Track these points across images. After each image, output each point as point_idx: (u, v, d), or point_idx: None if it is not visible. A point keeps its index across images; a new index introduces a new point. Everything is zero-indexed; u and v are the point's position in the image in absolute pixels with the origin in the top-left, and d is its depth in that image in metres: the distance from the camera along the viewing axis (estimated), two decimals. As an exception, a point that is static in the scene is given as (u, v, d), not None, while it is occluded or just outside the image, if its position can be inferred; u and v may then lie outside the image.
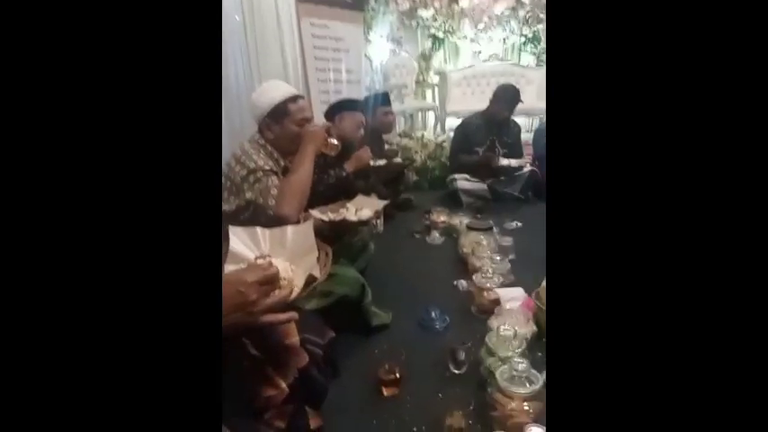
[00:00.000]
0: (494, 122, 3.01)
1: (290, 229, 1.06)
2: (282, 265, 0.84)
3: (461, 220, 2.38)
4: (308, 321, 1.03)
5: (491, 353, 1.18)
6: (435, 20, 4.66)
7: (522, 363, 1.02)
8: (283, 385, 0.95)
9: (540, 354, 1.24)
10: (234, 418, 0.99)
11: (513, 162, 2.96)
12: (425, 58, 4.91)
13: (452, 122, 4.37)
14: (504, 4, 4.54)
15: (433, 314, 1.54)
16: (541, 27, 4.70)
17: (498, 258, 1.81)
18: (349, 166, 2.18)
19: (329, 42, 3.15)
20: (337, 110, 2.33)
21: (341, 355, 1.28)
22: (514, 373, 1.02)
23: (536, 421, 0.95)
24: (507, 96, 2.95)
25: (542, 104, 3.47)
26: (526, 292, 1.56)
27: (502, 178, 2.98)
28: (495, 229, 2.17)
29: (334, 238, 1.50)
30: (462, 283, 1.80)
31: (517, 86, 3.04)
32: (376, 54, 4.49)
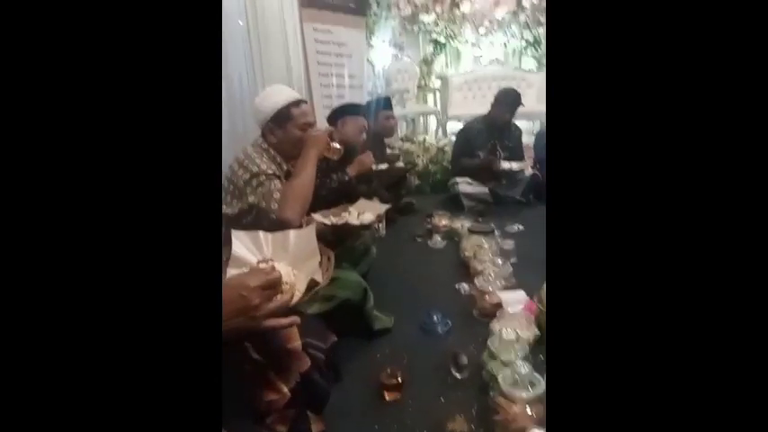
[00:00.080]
0: (495, 126, 3.01)
1: (292, 233, 1.06)
2: (285, 270, 0.85)
3: (463, 224, 2.38)
4: (310, 325, 1.03)
5: (493, 356, 1.17)
6: (437, 25, 4.68)
7: (525, 366, 1.02)
8: (285, 389, 0.95)
9: (542, 357, 1.24)
10: (235, 423, 0.99)
11: (515, 165, 2.96)
12: (427, 62, 4.93)
13: (454, 126, 4.39)
14: (505, 9, 4.55)
15: (435, 318, 1.54)
16: (542, 31, 4.71)
17: (500, 262, 1.81)
18: (352, 171, 2.19)
19: (332, 47, 3.16)
20: (340, 114, 2.34)
21: (343, 359, 1.28)
22: (517, 376, 1.02)
23: (539, 425, 0.95)
24: (508, 100, 2.95)
25: (543, 108, 3.48)
26: (528, 295, 1.56)
27: (503, 182, 2.99)
28: (496, 232, 2.17)
29: (337, 241, 1.50)
30: (464, 287, 1.80)
31: (518, 90, 3.05)
32: (378, 59, 4.51)
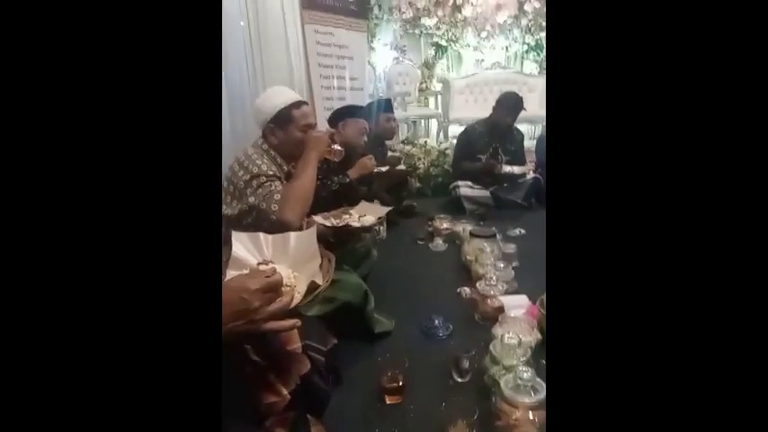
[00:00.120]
0: (497, 130, 3.01)
1: (292, 235, 1.05)
2: (285, 272, 0.84)
3: (464, 227, 2.37)
4: (311, 328, 1.03)
5: (495, 361, 1.16)
6: (438, 28, 4.70)
7: (527, 371, 1.01)
8: (285, 392, 0.94)
9: (544, 362, 1.22)
10: (235, 425, 0.98)
11: (516, 169, 2.95)
12: (428, 65, 4.95)
13: (455, 130, 4.39)
14: (507, 13, 4.56)
15: (437, 322, 1.53)
16: (544, 35, 4.73)
17: (502, 266, 1.80)
18: (353, 173, 2.18)
19: (333, 50, 3.16)
20: (340, 116, 2.34)
21: (343, 362, 1.27)
22: (519, 381, 1.00)
23: (541, 431, 0.94)
24: (510, 104, 2.95)
25: (545, 112, 3.47)
26: (530, 299, 1.55)
27: (505, 185, 2.98)
28: (498, 236, 2.16)
29: (337, 244, 1.49)
30: (466, 291, 1.79)
31: (520, 94, 3.05)
32: (379, 62, 4.52)
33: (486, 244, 2.00)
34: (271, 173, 1.37)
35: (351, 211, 1.64)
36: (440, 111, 4.85)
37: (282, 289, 0.73)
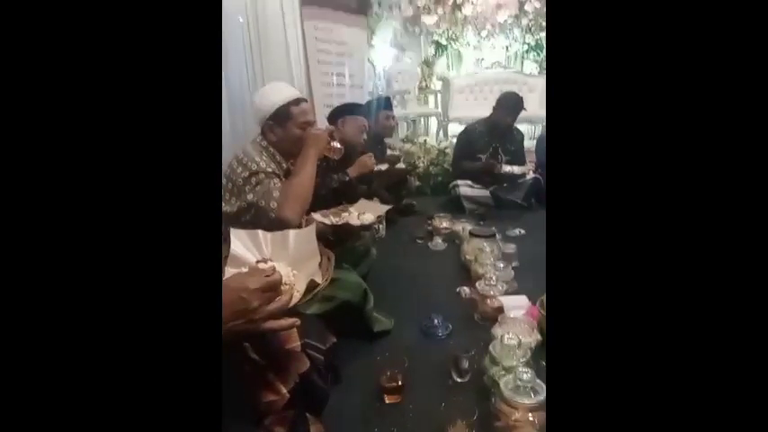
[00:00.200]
0: (497, 130, 3.00)
1: (292, 233, 1.04)
2: (284, 270, 0.83)
3: (464, 227, 2.37)
4: (310, 326, 1.02)
5: (495, 362, 1.16)
6: (438, 26, 4.68)
7: (527, 372, 1.00)
8: (284, 391, 0.93)
9: (544, 363, 1.22)
10: (234, 424, 0.98)
11: (516, 169, 2.95)
12: (428, 64, 4.93)
13: (455, 129, 4.38)
14: (507, 12, 4.55)
15: (436, 321, 1.53)
16: (544, 35, 4.72)
17: (501, 266, 1.79)
18: (353, 172, 2.17)
19: (333, 46, 3.15)
20: (340, 114, 2.33)
21: (342, 360, 1.26)
22: (519, 383, 1.00)
23: (541, 432, 0.93)
24: (510, 104, 2.94)
25: (545, 112, 3.46)
26: (530, 300, 1.54)
27: (505, 185, 2.98)
28: (498, 236, 2.15)
29: (336, 242, 1.48)
30: (465, 290, 1.78)
31: (520, 94, 3.04)
32: (379, 59, 4.50)
33: (485, 244, 2.00)
34: (270, 170, 1.36)
35: (350, 210, 1.63)
36: (439, 109, 4.84)
37: (282, 287, 0.72)
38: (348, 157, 2.03)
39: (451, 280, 1.93)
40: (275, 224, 1.22)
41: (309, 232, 1.05)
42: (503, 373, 1.10)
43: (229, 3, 2.37)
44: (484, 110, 3.21)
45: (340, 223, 1.53)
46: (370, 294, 1.45)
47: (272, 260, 0.93)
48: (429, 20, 4.57)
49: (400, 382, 1.18)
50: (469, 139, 3.08)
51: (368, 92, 3.74)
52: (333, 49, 3.15)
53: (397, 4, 4.47)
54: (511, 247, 2.02)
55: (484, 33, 4.78)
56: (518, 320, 1.35)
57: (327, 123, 2.30)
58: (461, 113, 4.49)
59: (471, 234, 2.14)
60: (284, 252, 1.00)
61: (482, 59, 4.97)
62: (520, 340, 1.17)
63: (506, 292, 1.62)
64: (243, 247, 0.99)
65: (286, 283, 0.78)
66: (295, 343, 0.94)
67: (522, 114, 3.03)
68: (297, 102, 1.45)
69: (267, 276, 0.64)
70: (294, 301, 0.79)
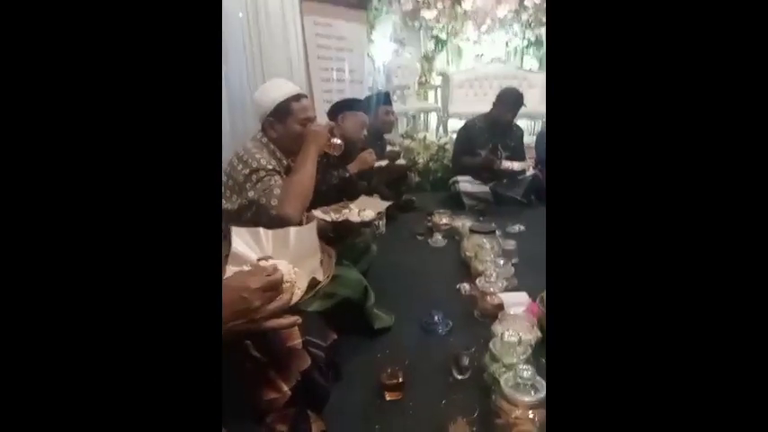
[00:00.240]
0: (497, 126, 3.00)
1: (292, 230, 1.04)
2: (285, 268, 0.83)
3: (464, 223, 2.37)
4: (311, 323, 1.02)
5: (495, 359, 1.16)
6: (438, 21, 4.65)
7: (528, 370, 1.01)
8: (285, 388, 0.94)
9: (544, 360, 1.22)
10: (235, 422, 0.98)
11: (516, 165, 2.94)
12: (428, 59, 4.91)
13: (454, 124, 4.37)
14: (507, 8, 4.53)
15: (436, 318, 1.53)
16: (544, 31, 4.69)
17: (502, 262, 1.79)
18: (353, 168, 2.16)
19: (332, 41, 3.13)
20: (340, 110, 2.32)
21: (343, 357, 1.26)
22: (519, 380, 1.00)
23: (541, 430, 0.93)
24: (511, 100, 2.93)
25: (545, 108, 3.44)
26: (530, 296, 1.55)
27: (504, 181, 2.97)
28: (498, 232, 2.15)
29: (337, 239, 1.48)
30: (465, 287, 1.78)
31: (520, 90, 3.03)
32: (379, 54, 4.48)
33: (485, 240, 2.00)
34: (270, 167, 1.36)
35: (350, 206, 1.63)
36: (439, 105, 4.83)
37: (283, 285, 0.72)
38: (348, 154, 2.02)
39: (451, 276, 1.93)
40: (276, 221, 1.22)
41: (310, 229, 1.05)
42: (503, 370, 1.10)
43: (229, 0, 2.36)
44: (484, 105, 3.21)
45: (340, 220, 1.52)
46: (371, 291, 1.45)
47: (273, 257, 0.93)
48: (429, 14, 4.54)
49: (401, 380, 1.18)
50: (469, 135, 3.07)
51: (367, 87, 3.73)
52: (332, 45, 3.13)
53: (396, -2, 4.45)
54: (511, 244, 2.02)
55: (484, 28, 4.76)
56: (518, 317, 1.35)
57: (327, 119, 2.29)
58: (461, 109, 4.48)
59: (471, 231, 2.14)
60: (285, 249, 1.00)
61: (482, 55, 4.94)
62: (520, 337, 1.17)
63: (506, 289, 1.62)
64: (244, 244, 0.99)
65: (287, 281, 0.78)
66: (296, 340, 0.95)
67: (522, 110, 3.02)
68: (297, 98, 1.44)
69: (268, 275, 0.64)
70: (295, 299, 0.79)
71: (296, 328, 0.92)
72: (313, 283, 0.84)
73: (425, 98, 4.97)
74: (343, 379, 1.23)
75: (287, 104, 1.42)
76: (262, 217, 1.29)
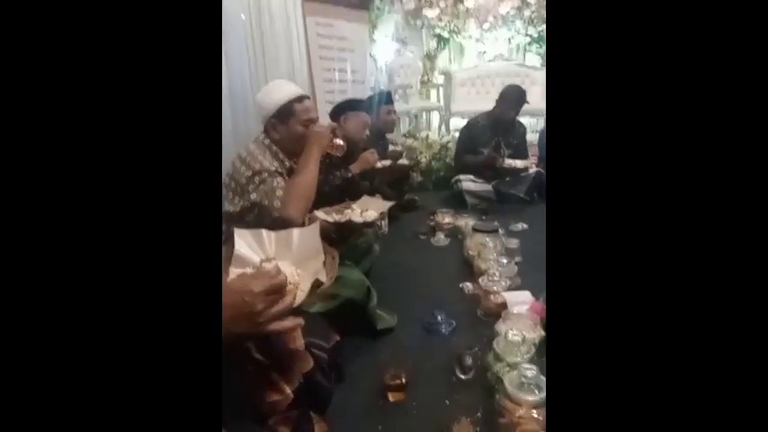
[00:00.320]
0: (499, 123, 2.99)
1: (295, 231, 1.04)
2: (289, 270, 0.83)
3: (467, 222, 2.36)
4: (313, 325, 1.02)
5: (499, 358, 1.16)
6: (440, 19, 4.64)
7: (532, 369, 1.00)
8: (288, 390, 0.94)
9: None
10: (238, 424, 0.98)
11: (519, 163, 2.93)
12: (430, 57, 4.89)
13: (457, 123, 4.35)
14: (510, 4, 4.51)
15: (439, 318, 1.53)
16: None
17: (505, 261, 1.79)
18: (355, 168, 2.17)
19: (334, 42, 3.14)
20: (342, 110, 2.32)
21: (346, 358, 1.26)
22: (523, 379, 1.00)
23: (545, 429, 0.93)
24: (514, 97, 2.92)
25: (548, 105, 3.42)
26: (533, 295, 1.54)
27: (507, 179, 2.96)
28: (501, 230, 2.15)
29: (339, 239, 1.48)
30: (468, 286, 1.78)
31: (522, 87, 3.02)
32: (381, 54, 4.47)
33: (488, 239, 1.99)
34: (273, 169, 1.36)
35: (353, 206, 1.63)
36: (441, 103, 4.82)
37: (286, 287, 0.72)
38: (350, 154, 2.02)
39: (454, 276, 1.93)
40: (279, 223, 1.22)
41: (313, 231, 1.05)
42: (507, 369, 1.10)
43: (232, 1, 2.36)
44: (486, 103, 3.20)
45: (343, 221, 1.53)
46: (374, 292, 1.45)
47: (275, 259, 0.93)
48: (431, 13, 4.53)
49: (404, 380, 1.18)
50: (471, 134, 3.07)
51: (370, 87, 3.72)
52: (335, 45, 3.14)
53: (398, -4, 4.44)
54: (514, 242, 2.02)
55: (486, 26, 4.73)
56: (521, 316, 1.35)
57: (329, 120, 2.30)
58: (463, 107, 4.46)
59: (474, 229, 2.14)
60: (288, 251, 1.00)
61: (484, 52, 4.92)
62: (524, 336, 1.17)
63: (509, 288, 1.61)
64: (247, 246, 0.99)
65: (291, 283, 0.78)
66: (299, 342, 0.95)
67: (525, 107, 3.01)
68: (300, 99, 1.44)
69: (271, 278, 0.64)
70: (299, 300, 0.79)
71: (298, 329, 0.92)
72: (316, 285, 0.84)
73: (428, 97, 4.96)
74: (345, 380, 1.24)
75: (289, 106, 1.42)
76: (264, 219, 1.30)
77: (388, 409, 1.16)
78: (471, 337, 1.41)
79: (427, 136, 3.91)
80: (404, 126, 4.50)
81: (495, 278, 1.61)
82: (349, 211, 1.59)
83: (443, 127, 4.70)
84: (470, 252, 2.01)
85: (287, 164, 1.45)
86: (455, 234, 2.39)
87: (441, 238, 2.37)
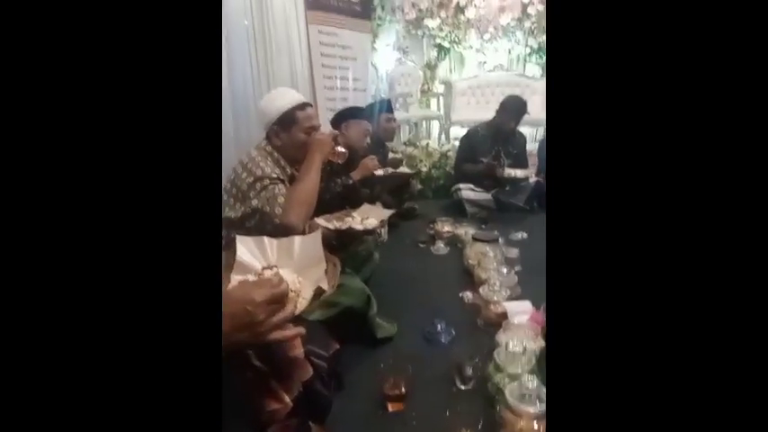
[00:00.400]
0: (499, 133, 3.00)
1: (297, 239, 1.04)
2: (290, 277, 0.83)
3: (466, 231, 2.36)
4: (313, 333, 1.01)
5: (499, 369, 1.15)
6: (441, 30, 4.68)
7: (533, 380, 1.00)
8: (287, 399, 0.93)
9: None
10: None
11: (519, 173, 2.94)
12: (431, 67, 4.93)
13: (457, 132, 4.37)
14: (510, 15, 4.55)
15: (439, 327, 1.52)
16: (547, 38, 4.71)
17: (505, 271, 1.79)
18: (356, 175, 2.17)
19: (336, 50, 3.16)
20: (343, 118, 2.33)
21: (345, 367, 1.25)
22: (524, 391, 0.99)
23: (546, 441, 0.93)
24: (514, 108, 2.94)
25: (548, 115, 3.44)
26: (534, 305, 1.54)
27: (507, 188, 2.97)
28: (500, 239, 2.15)
29: (340, 247, 1.48)
30: (468, 295, 1.77)
31: (523, 97, 3.04)
32: (382, 62, 4.50)
33: (488, 248, 1.99)
34: (274, 175, 1.36)
35: (353, 214, 1.64)
36: (442, 112, 4.84)
37: (288, 296, 0.72)
38: (351, 161, 2.03)
39: (454, 285, 1.92)
40: (279, 230, 1.22)
41: (315, 238, 1.05)
42: (507, 380, 1.09)
43: (234, 7, 2.38)
44: (486, 113, 3.22)
45: (343, 228, 1.53)
46: (374, 300, 1.44)
47: (277, 266, 0.93)
48: (432, 23, 4.57)
49: (403, 390, 1.17)
50: (472, 143, 3.08)
51: (371, 95, 3.74)
52: (336, 53, 3.16)
53: (400, 7, 4.48)
54: (514, 252, 2.02)
55: (487, 36, 4.78)
56: (522, 326, 1.34)
57: (331, 127, 2.30)
58: (464, 116, 4.49)
59: (474, 238, 2.14)
60: (290, 258, 1.00)
61: (485, 62, 4.96)
62: (525, 347, 1.16)
63: (510, 298, 1.61)
64: (249, 253, 0.99)
65: (292, 290, 0.77)
66: (298, 350, 0.94)
67: (525, 117, 3.03)
68: (302, 106, 1.45)
69: (273, 287, 0.63)
70: (300, 308, 0.78)
71: (298, 338, 0.92)
72: (318, 293, 0.84)
73: (428, 106, 4.98)
74: (345, 389, 1.22)
75: (292, 113, 1.42)
76: (265, 225, 1.30)
77: (387, 419, 1.15)
78: (471, 347, 1.40)
79: (427, 144, 3.92)
80: (404, 134, 4.52)
81: (496, 288, 1.61)
82: (349, 218, 1.59)
83: (443, 136, 4.72)
84: (470, 261, 2.01)
85: (288, 171, 1.45)
86: (455, 243, 2.39)
87: (440, 247, 2.37)
